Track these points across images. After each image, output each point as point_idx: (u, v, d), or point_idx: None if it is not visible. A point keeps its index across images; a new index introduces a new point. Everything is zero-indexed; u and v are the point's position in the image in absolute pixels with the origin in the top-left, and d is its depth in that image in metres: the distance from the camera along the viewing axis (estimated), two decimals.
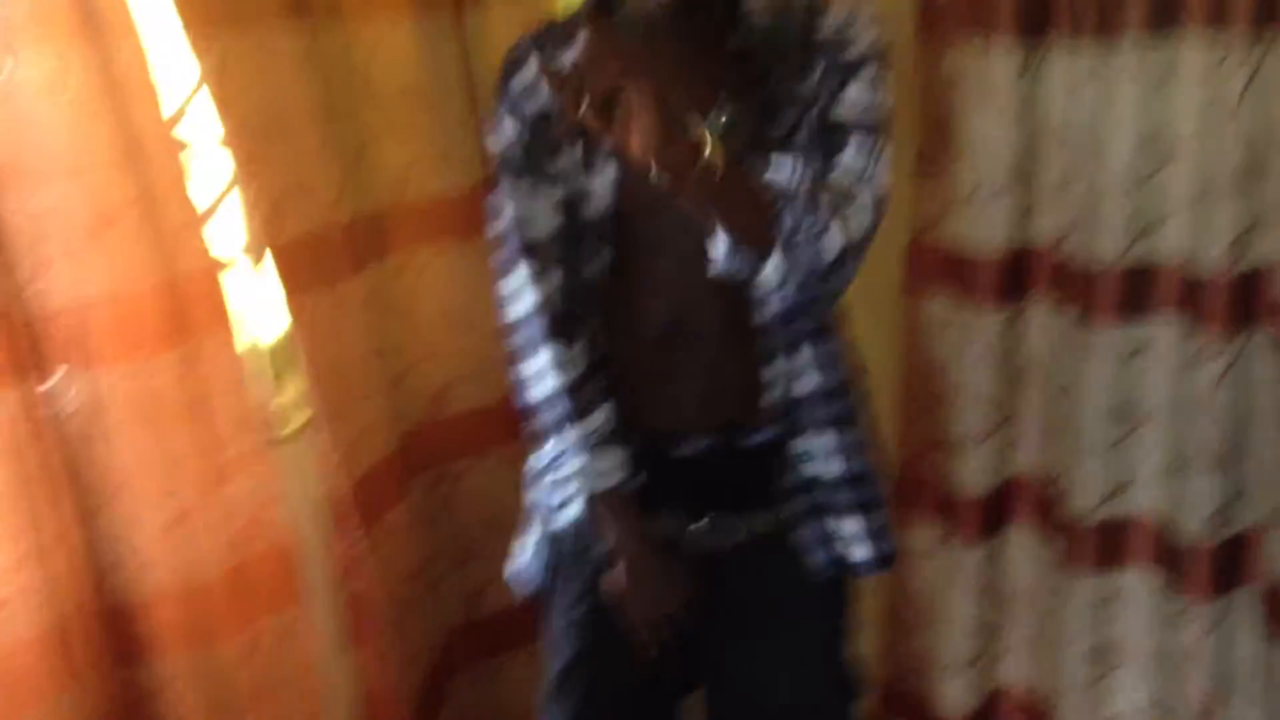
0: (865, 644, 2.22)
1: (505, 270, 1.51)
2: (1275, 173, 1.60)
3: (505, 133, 1.47)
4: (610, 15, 1.39)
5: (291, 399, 2.01)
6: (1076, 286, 1.81)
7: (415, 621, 2.16)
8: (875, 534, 1.52)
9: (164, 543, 1.61)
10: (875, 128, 1.40)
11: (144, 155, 1.52)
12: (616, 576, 1.51)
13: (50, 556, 1.49)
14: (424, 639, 2.20)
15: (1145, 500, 1.85)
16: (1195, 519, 1.77)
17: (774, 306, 1.46)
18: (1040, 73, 1.80)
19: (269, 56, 1.75)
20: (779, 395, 1.50)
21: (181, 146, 1.64)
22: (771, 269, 1.30)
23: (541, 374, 1.49)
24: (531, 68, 1.45)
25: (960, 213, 1.90)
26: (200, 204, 1.66)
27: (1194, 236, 1.68)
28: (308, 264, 1.84)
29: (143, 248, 1.53)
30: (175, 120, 1.66)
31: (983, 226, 1.88)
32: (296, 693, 1.79)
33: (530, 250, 1.48)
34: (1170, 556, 1.83)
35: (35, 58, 1.40)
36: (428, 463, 2.18)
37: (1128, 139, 1.69)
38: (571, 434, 1.49)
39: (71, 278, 1.47)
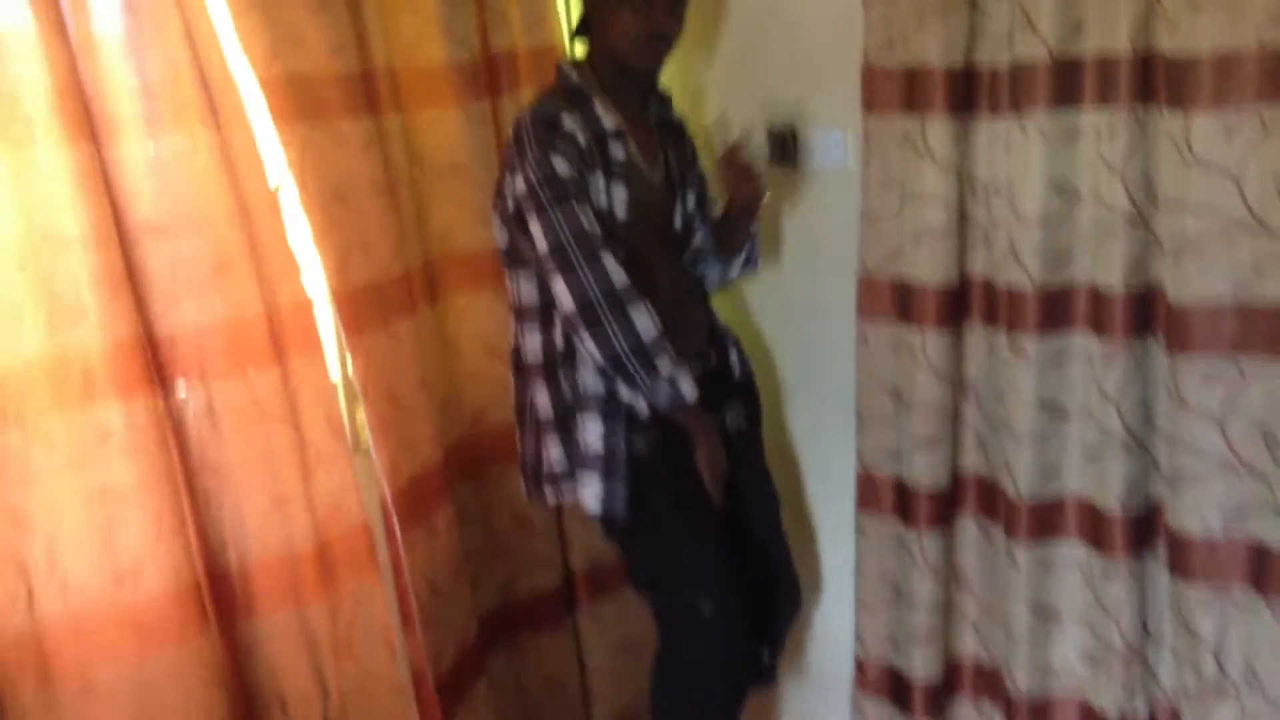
0: (844, 625, 2.40)
1: (576, 264, 1.85)
2: (1155, 213, 1.80)
3: (559, 168, 1.87)
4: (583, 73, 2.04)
5: (360, 421, 2.20)
6: (1005, 309, 1.98)
7: (456, 609, 2.32)
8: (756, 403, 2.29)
9: (266, 522, 1.83)
10: None
11: (251, 215, 1.78)
12: (711, 457, 1.99)
13: (181, 531, 1.72)
14: (464, 623, 2.37)
15: (1072, 481, 1.99)
16: (1113, 495, 1.92)
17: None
18: (969, 141, 2.00)
19: (338, 143, 1.97)
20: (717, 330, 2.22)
21: (281, 209, 1.88)
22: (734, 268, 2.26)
23: (638, 324, 1.86)
24: (565, 123, 1.91)
25: (908, 253, 2.08)
26: (296, 254, 1.89)
27: (1096, 264, 1.87)
28: (368, 308, 2.05)
29: (250, 287, 1.78)
30: (277, 187, 1.90)
31: (925, 264, 2.06)
32: (374, 646, 1.96)
33: (605, 239, 1.88)
34: (1095, 526, 1.97)
35: (172, 140, 1.67)
36: (468, 470, 2.37)
37: (1040, 189, 1.88)
38: (667, 361, 1.88)
39: (196, 310, 1.73)
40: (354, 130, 1.99)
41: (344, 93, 1.96)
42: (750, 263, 2.31)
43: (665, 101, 2.20)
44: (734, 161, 2.17)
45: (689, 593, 2.05)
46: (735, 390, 2.26)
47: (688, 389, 1.91)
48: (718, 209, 2.27)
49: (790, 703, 2.72)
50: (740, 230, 2.23)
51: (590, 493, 2.00)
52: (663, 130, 2.17)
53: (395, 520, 2.13)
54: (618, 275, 1.85)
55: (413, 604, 2.15)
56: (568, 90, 2.01)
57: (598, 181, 1.94)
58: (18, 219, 1.56)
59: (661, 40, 2.01)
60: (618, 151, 1.99)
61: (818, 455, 2.53)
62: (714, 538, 2.08)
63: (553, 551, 2.50)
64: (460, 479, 2.36)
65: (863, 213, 2.15)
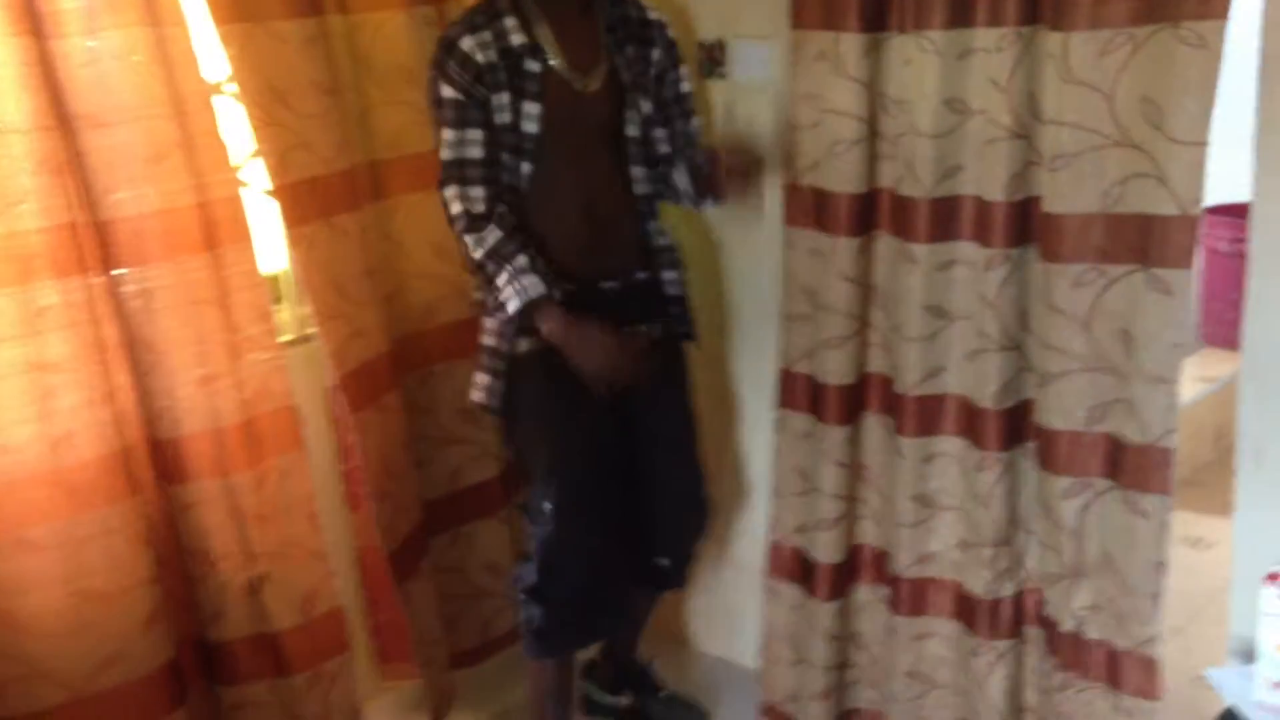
0: (759, 511, 2.53)
1: (448, 183, 2.02)
2: (1036, 127, 1.89)
3: (444, 92, 1.99)
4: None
5: (289, 314, 2.33)
6: (904, 217, 2.08)
7: (406, 488, 2.45)
8: (684, 322, 2.31)
9: (196, 397, 1.93)
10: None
11: (187, 108, 1.85)
12: (586, 359, 2.04)
13: (114, 400, 1.82)
14: (411, 504, 2.49)
15: (953, 380, 2.10)
16: (988, 393, 2.03)
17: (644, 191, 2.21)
18: (878, 56, 2.07)
19: (278, 42, 2.04)
20: (652, 247, 2.23)
21: (214, 104, 1.96)
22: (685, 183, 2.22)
23: (489, 239, 2.01)
24: (464, 44, 1.97)
25: (824, 163, 2.17)
26: (229, 147, 1.98)
27: (982, 176, 1.96)
28: (307, 202, 2.14)
29: (185, 177, 1.86)
30: (211, 82, 1.98)
31: (839, 174, 2.15)
32: (296, 516, 2.08)
33: (467, 165, 2.00)
34: (972, 421, 2.08)
35: (111, 35, 1.74)
36: (416, 363, 2.47)
37: (934, 104, 1.97)
38: (506, 270, 2.00)
39: (133, 197, 1.81)
40: (294, 30, 2.06)
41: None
42: (709, 207, 2.34)
43: (619, 3, 2.18)
44: (738, 168, 2.21)
45: (539, 489, 2.19)
46: (664, 307, 2.30)
47: (531, 283, 2.00)
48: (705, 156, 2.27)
49: (710, 589, 2.86)
50: (716, 187, 2.24)
51: (476, 383, 2.17)
52: (616, 32, 2.16)
53: (344, 400, 2.24)
54: (477, 205, 2.02)
55: (362, 480, 2.28)
56: (486, 4, 2.05)
57: (501, 98, 2.02)
58: None
59: None
60: (532, 65, 2.04)
61: (747, 355, 2.63)
62: (581, 445, 2.18)
63: (493, 443, 2.59)
64: (409, 371, 2.47)
65: (791, 122, 2.23)
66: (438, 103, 2.02)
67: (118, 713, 1.87)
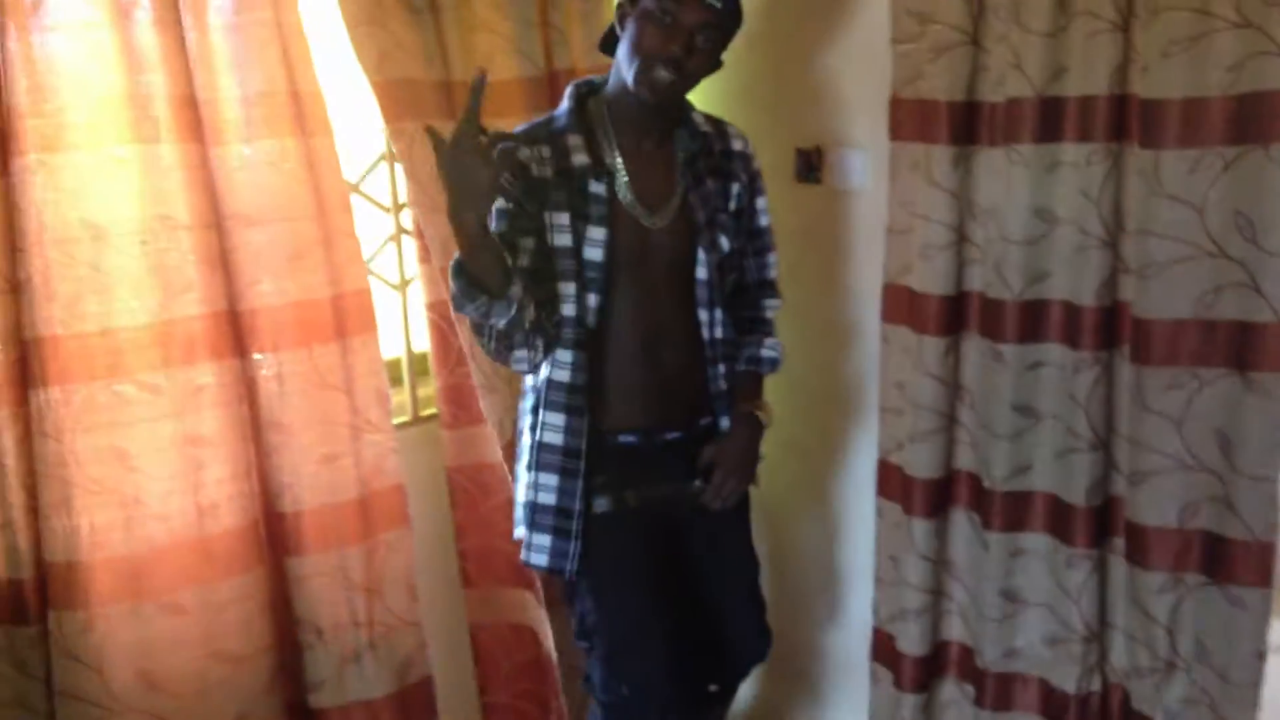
0: (861, 596, 2.55)
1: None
2: (1125, 236, 1.94)
3: (498, 204, 1.81)
4: (589, 101, 1.92)
5: (422, 395, 2.42)
6: (993, 318, 2.12)
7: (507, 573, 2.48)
8: None
9: (318, 474, 2.02)
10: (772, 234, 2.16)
11: (327, 209, 1.98)
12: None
13: (249, 476, 1.93)
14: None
15: (1040, 478, 2.09)
16: (1077, 489, 2.04)
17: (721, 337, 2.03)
18: (969, 167, 2.12)
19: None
20: (715, 392, 2.05)
21: (350, 206, 2.08)
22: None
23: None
24: (521, 154, 1.79)
25: (915, 265, 2.22)
26: (359, 246, 2.09)
27: (1072, 281, 2.00)
28: None
29: (320, 273, 1.99)
30: (350, 188, 2.11)
31: (929, 276, 2.20)
32: (399, 589, 2.14)
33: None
34: (1060, 518, 2.08)
35: (265, 144, 1.89)
36: None
37: (1025, 213, 2.03)
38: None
39: (274, 290, 1.93)
40: (444, 131, 2.16)
41: (436, 97, 2.17)
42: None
43: (699, 135, 2.00)
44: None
45: (612, 670, 2.02)
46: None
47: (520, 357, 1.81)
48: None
49: (811, 671, 2.83)
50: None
51: (534, 544, 1.98)
52: (695, 165, 1.99)
53: (508, 470, 2.27)
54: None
55: (471, 570, 2.36)
56: (555, 116, 1.92)
57: (560, 218, 1.84)
58: (142, 203, 1.79)
59: (669, 65, 1.80)
60: (596, 188, 1.87)
61: (836, 449, 2.65)
62: (650, 610, 2.00)
63: None
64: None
65: (888, 227, 2.29)
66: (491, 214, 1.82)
67: None
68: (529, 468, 1.95)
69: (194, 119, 1.84)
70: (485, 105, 2.19)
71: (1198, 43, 1.79)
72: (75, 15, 1.73)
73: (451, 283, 1.68)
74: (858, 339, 2.51)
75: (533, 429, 1.94)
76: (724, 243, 2.02)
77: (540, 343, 1.82)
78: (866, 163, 2.42)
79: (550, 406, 1.91)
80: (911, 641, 2.34)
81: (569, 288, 1.86)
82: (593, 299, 1.87)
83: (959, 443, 2.27)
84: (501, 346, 1.80)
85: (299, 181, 1.93)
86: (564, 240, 1.85)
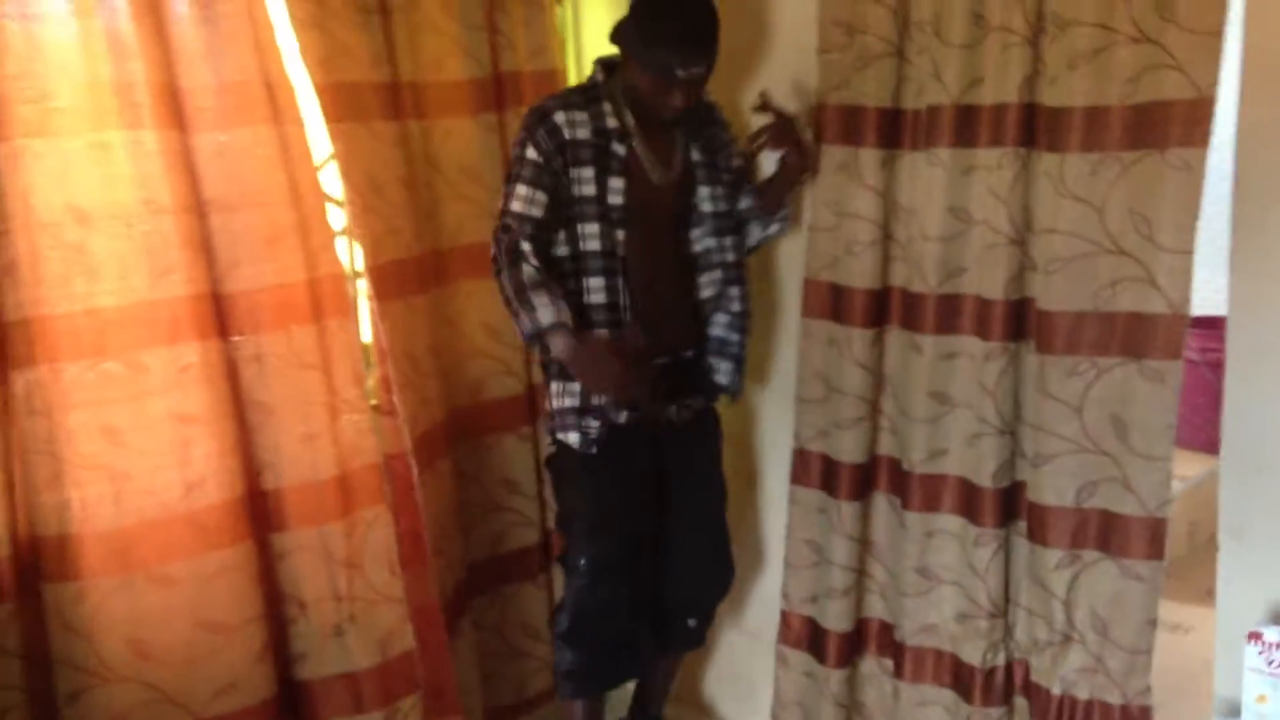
0: (774, 581, 2.65)
1: (508, 229, 2.15)
2: (1032, 235, 2.05)
3: (528, 153, 2.16)
4: (609, 77, 2.24)
5: (371, 384, 2.42)
6: (912, 312, 2.22)
7: (454, 547, 2.56)
8: (726, 371, 2.41)
9: (298, 452, 2.05)
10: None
11: (302, 195, 2.02)
12: (597, 376, 2.12)
13: (236, 452, 1.96)
14: (456, 565, 2.59)
15: (954, 461, 2.17)
16: (985, 473, 2.11)
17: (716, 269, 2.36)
18: (893, 169, 2.21)
19: (375, 140, 2.22)
20: (699, 300, 2.34)
21: (324, 193, 2.13)
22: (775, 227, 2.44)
23: (516, 275, 2.14)
24: (557, 117, 2.15)
25: (841, 261, 2.32)
26: (334, 231, 2.14)
27: (983, 277, 2.10)
28: (393, 281, 2.30)
29: (297, 257, 2.02)
30: (321, 175, 2.15)
31: (855, 272, 2.27)
32: (379, 565, 2.18)
33: (526, 220, 2.15)
34: (970, 500, 2.16)
35: (240, 132, 1.93)
36: (468, 434, 2.59)
37: (942, 212, 2.13)
38: (527, 302, 2.10)
39: (252, 273, 1.97)
40: (387, 130, 2.25)
41: (380, 99, 2.24)
42: (782, 223, 2.46)
43: (695, 112, 2.30)
44: (787, 135, 2.31)
45: (577, 546, 2.35)
46: (701, 391, 2.42)
47: (544, 312, 2.07)
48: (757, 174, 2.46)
49: (726, 655, 2.93)
50: (778, 195, 2.39)
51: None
52: (687, 125, 2.31)
53: (413, 464, 2.35)
54: (514, 244, 2.13)
55: (426, 536, 2.40)
56: (586, 88, 2.24)
57: (584, 172, 2.18)
58: (129, 187, 1.83)
59: (677, 110, 2.19)
60: (618, 148, 2.20)
61: (766, 433, 2.75)
62: (619, 513, 2.33)
63: (534, 513, 2.70)
64: (460, 441, 2.60)
65: (809, 224, 2.39)
66: (519, 160, 2.17)
67: None
68: (556, 378, 2.29)
69: (174, 106, 1.87)
70: (434, 105, 2.42)
71: (1100, 55, 1.90)
72: (59, 4, 1.78)
73: (533, 341, 2.12)
74: (779, 333, 2.62)
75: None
76: (718, 190, 2.36)
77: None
78: None
79: (592, 326, 2.21)
80: (836, 619, 2.41)
81: (592, 228, 2.19)
82: (620, 234, 2.21)
83: (881, 429, 2.36)
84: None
85: (274, 168, 1.95)
86: (589, 190, 2.18)
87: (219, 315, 1.97)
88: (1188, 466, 4.02)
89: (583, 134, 2.17)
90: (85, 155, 1.81)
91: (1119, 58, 1.89)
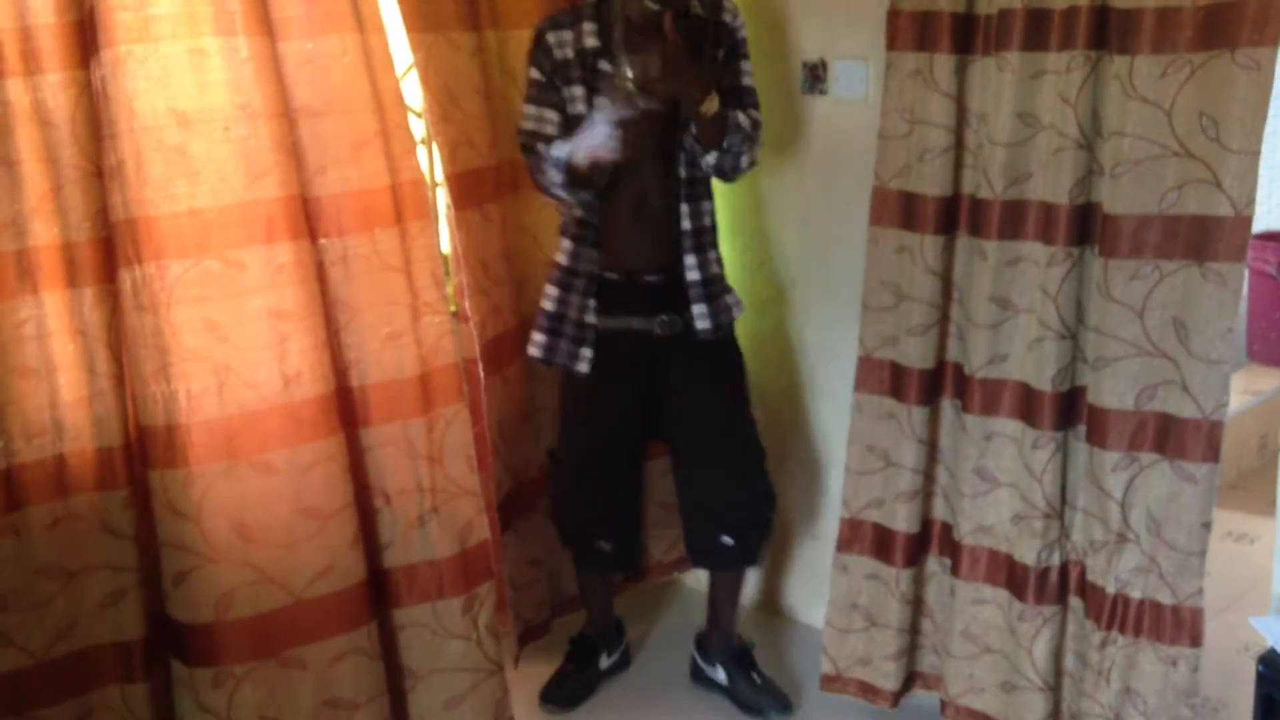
0: (837, 484, 2.71)
1: (529, 148, 2.35)
2: (1099, 139, 2.05)
3: (531, 74, 2.32)
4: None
5: (449, 290, 2.52)
6: (978, 218, 2.24)
7: (516, 451, 2.68)
8: (702, 315, 2.44)
9: (383, 351, 2.12)
10: (755, 94, 2.39)
11: (384, 103, 2.06)
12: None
13: (324, 350, 2.04)
14: (521, 466, 2.71)
15: (1014, 366, 2.20)
16: (1045, 376, 2.15)
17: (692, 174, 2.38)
18: (965, 74, 2.24)
19: (454, 51, 2.29)
20: (683, 230, 2.40)
21: (405, 101, 2.17)
22: (712, 159, 2.32)
23: (550, 170, 2.30)
24: (548, 38, 2.28)
25: (914, 168, 2.33)
26: (415, 138, 2.18)
27: (1049, 181, 2.12)
28: (469, 190, 2.39)
29: (380, 162, 2.07)
30: (402, 84, 2.18)
31: (927, 178, 2.28)
32: (458, 460, 2.24)
33: (539, 137, 2.32)
34: (1029, 404, 2.19)
35: (326, 40, 1.98)
36: None
37: (1010, 118, 2.14)
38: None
39: (338, 177, 2.03)
40: (464, 41, 2.33)
41: (458, 9, 2.33)
42: (721, 154, 2.35)
43: (695, 21, 2.30)
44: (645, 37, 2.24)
45: (562, 439, 2.62)
46: (688, 303, 2.46)
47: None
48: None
49: (801, 562, 3.05)
50: (703, 128, 2.30)
51: (534, 340, 2.51)
52: (689, 37, 2.26)
53: (480, 369, 2.45)
54: (532, 164, 2.34)
55: (487, 437, 2.50)
56: (576, 6, 2.32)
57: (574, 91, 2.29)
58: (225, 92, 1.91)
59: None
60: (605, 66, 2.26)
61: (828, 342, 2.81)
62: (594, 416, 2.54)
63: None
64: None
65: (879, 133, 2.39)
66: (529, 81, 2.32)
67: (328, 618, 2.10)
68: (548, 282, 2.45)
69: (263, 14, 1.93)
70: (510, 15, 2.53)
71: None
72: None
73: (558, 179, 2.23)
74: (849, 242, 2.63)
75: (560, 251, 2.43)
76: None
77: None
78: (868, 73, 2.54)
79: (565, 233, 2.41)
80: (906, 521, 2.45)
81: None
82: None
83: (949, 335, 2.40)
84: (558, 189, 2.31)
85: (358, 75, 1.99)
86: (579, 109, 2.27)
87: (308, 217, 2.03)
88: (1261, 380, 4.00)
89: (569, 54, 2.26)
90: (184, 61, 1.88)
91: None
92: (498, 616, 2.38)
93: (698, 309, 2.43)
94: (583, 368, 2.43)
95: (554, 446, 2.67)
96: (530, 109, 2.30)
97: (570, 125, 2.26)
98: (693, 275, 2.43)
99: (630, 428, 2.54)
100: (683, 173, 2.39)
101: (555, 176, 2.23)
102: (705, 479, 2.55)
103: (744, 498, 2.56)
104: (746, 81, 2.41)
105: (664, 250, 2.43)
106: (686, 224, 2.41)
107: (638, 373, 2.48)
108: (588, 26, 2.27)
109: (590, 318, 2.42)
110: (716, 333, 2.46)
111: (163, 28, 1.86)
